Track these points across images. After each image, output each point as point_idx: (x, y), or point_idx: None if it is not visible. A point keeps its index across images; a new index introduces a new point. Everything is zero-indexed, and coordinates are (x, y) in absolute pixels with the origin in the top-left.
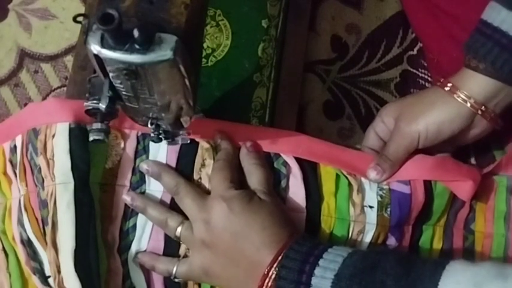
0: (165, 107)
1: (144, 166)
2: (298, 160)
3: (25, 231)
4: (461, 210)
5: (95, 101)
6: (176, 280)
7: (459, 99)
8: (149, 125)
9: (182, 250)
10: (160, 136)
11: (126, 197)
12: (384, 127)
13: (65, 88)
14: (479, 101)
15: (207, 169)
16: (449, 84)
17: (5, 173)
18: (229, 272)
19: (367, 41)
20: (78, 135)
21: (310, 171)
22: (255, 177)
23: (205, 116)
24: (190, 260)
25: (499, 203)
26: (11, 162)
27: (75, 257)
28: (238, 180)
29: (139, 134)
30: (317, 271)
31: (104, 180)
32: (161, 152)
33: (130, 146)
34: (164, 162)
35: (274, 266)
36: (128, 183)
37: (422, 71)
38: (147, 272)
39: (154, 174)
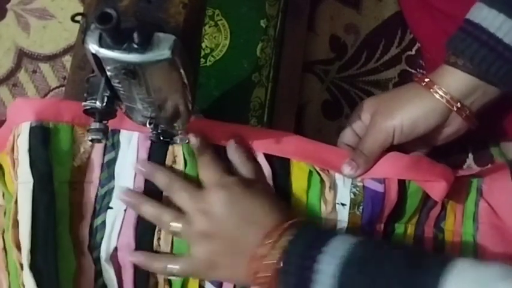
0: (164, 106)
1: (138, 166)
2: (269, 157)
3: None
4: (434, 208)
5: (93, 101)
6: (174, 278)
7: (436, 95)
8: (147, 125)
9: (155, 245)
10: (159, 136)
11: (122, 195)
12: (360, 123)
13: (63, 88)
14: (455, 97)
15: (178, 166)
16: (426, 80)
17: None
18: (235, 259)
19: (366, 41)
20: (37, 134)
21: (280, 169)
22: (246, 168)
23: (204, 115)
24: (191, 254)
25: (468, 203)
26: None
27: (32, 257)
28: (228, 170)
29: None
30: (323, 257)
31: (72, 178)
32: (131, 148)
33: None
34: (135, 158)
35: (276, 244)
36: (96, 180)
37: (421, 71)
38: (118, 271)
39: (147, 174)
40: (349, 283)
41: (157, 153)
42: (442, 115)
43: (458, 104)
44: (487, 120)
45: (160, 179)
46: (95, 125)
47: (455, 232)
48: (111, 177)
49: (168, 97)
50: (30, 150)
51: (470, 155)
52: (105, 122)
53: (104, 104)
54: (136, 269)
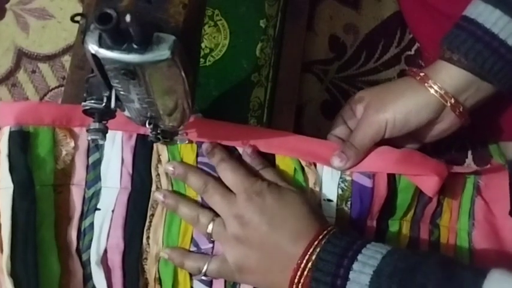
0: (163, 106)
1: (169, 168)
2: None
3: None
4: (429, 205)
5: (92, 101)
6: (204, 278)
7: (430, 90)
8: (147, 125)
9: (144, 244)
10: (158, 136)
11: (159, 195)
12: (352, 115)
13: (62, 88)
14: (449, 92)
15: (164, 165)
16: (421, 74)
17: None
18: (265, 265)
19: (365, 41)
20: (16, 139)
21: None
22: (267, 176)
23: (204, 115)
24: (223, 257)
25: (464, 200)
26: None
27: (11, 263)
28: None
29: None
30: (355, 266)
31: (57, 181)
32: (115, 148)
33: (82, 144)
34: (120, 158)
35: (309, 252)
36: (83, 182)
37: None
38: (108, 274)
39: (180, 175)
40: None
41: (142, 152)
42: (436, 110)
43: (452, 100)
44: (486, 120)
45: (194, 181)
46: (94, 125)
47: (451, 229)
48: (98, 178)
49: (167, 97)
50: (9, 155)
51: (470, 155)
52: (104, 122)
53: (104, 104)
54: (126, 271)
